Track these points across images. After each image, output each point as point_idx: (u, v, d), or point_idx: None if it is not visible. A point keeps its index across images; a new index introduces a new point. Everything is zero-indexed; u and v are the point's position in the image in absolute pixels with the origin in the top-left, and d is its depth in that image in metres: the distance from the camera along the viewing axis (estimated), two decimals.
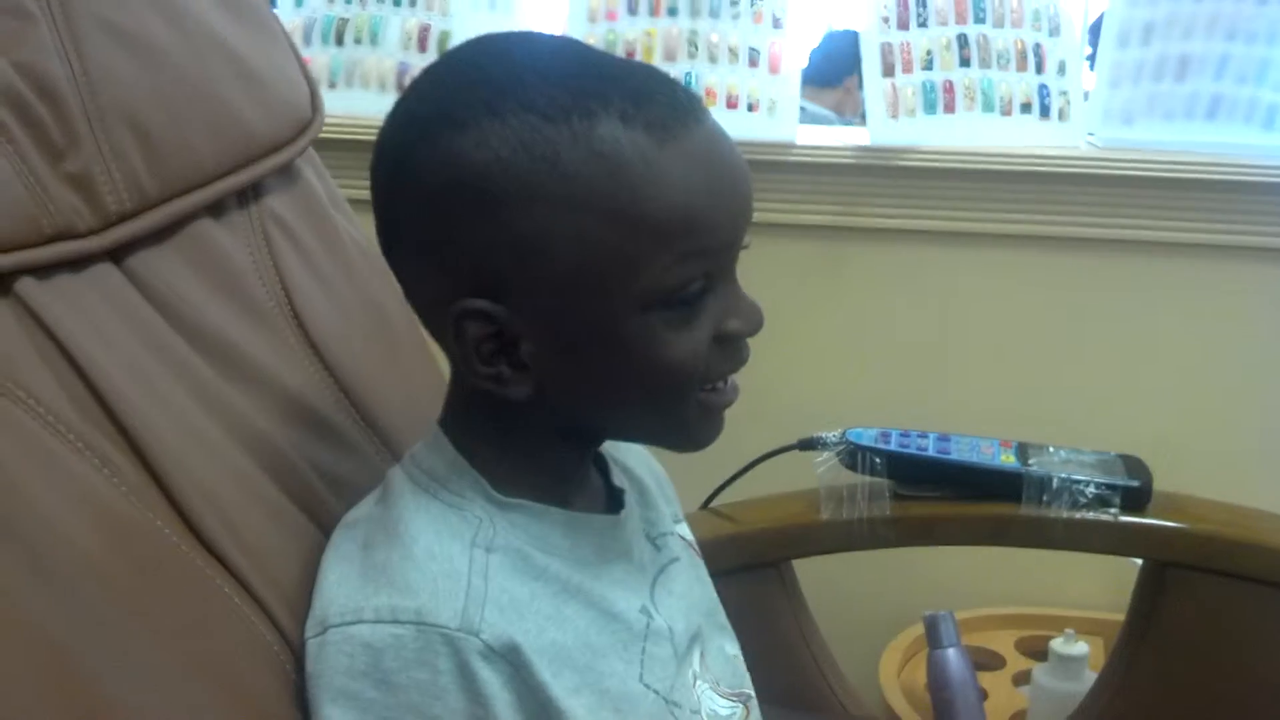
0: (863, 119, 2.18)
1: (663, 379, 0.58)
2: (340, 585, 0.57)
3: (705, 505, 1.04)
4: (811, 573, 1.06)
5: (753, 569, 1.00)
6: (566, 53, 0.61)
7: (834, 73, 2.55)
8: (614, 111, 0.55)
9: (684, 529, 0.74)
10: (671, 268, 0.56)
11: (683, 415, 0.60)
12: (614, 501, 0.67)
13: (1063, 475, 0.96)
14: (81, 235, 0.60)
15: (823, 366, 1.41)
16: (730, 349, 0.60)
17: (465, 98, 0.56)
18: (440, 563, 0.56)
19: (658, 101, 0.56)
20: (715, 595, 0.74)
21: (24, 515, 0.50)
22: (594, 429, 0.64)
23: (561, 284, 0.56)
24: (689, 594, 0.69)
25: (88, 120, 0.61)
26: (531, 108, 0.54)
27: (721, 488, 1.05)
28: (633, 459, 0.72)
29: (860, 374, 1.40)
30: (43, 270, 0.57)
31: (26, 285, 0.56)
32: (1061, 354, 1.39)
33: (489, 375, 0.58)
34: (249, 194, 0.73)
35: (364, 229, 0.83)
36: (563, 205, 0.54)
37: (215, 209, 0.70)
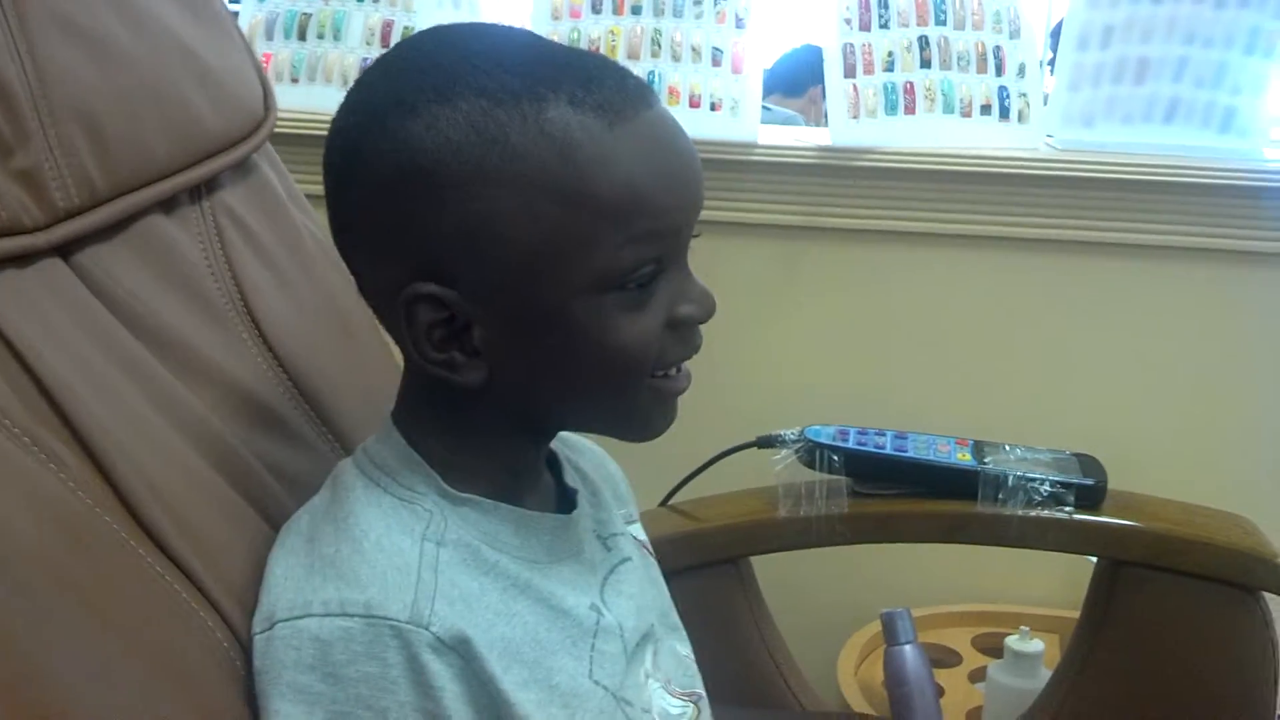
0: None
1: (615, 363, 0.58)
2: (287, 579, 0.57)
3: (664, 503, 1.05)
4: (769, 570, 1.07)
5: (711, 566, 1.01)
6: (518, 41, 0.61)
7: (798, 83, 2.58)
8: (563, 95, 0.55)
9: (637, 529, 0.74)
10: (622, 249, 0.56)
11: (635, 401, 0.60)
12: (566, 501, 0.67)
13: (1018, 473, 0.97)
14: (28, 231, 0.59)
15: (782, 364, 1.42)
16: (683, 334, 0.60)
17: (416, 84, 0.57)
18: (390, 556, 0.56)
19: (607, 86, 0.57)
20: (668, 595, 0.74)
21: None
22: (547, 418, 0.64)
23: (512, 266, 0.56)
24: (640, 594, 0.69)
25: (37, 116, 0.61)
26: (482, 92, 0.55)
27: (680, 485, 1.05)
28: (585, 459, 0.72)
29: (819, 372, 1.41)
30: None
31: None
32: (1018, 353, 1.40)
33: (440, 361, 0.58)
34: (201, 190, 0.73)
35: (323, 224, 0.82)
36: (513, 187, 0.55)
37: (167, 205, 0.69)
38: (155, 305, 0.65)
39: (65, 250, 0.62)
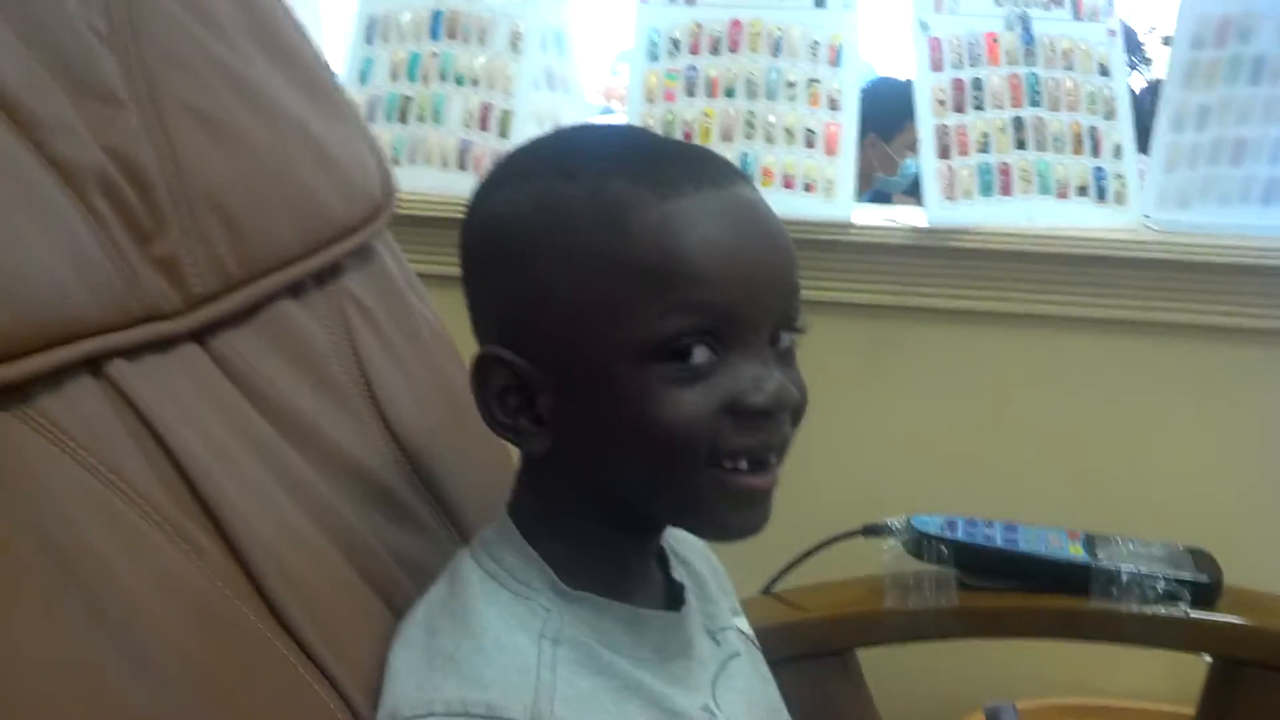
0: (885, 181, 2.18)
1: (659, 440, 0.56)
2: (409, 675, 0.57)
3: (766, 590, 1.03)
4: (869, 656, 1.04)
5: (816, 658, 0.98)
6: (621, 135, 0.65)
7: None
8: (626, 171, 0.57)
9: (742, 622, 0.73)
10: (661, 318, 0.55)
11: (696, 491, 0.57)
12: (673, 597, 0.66)
13: (1132, 569, 0.94)
14: (168, 317, 0.60)
15: (886, 448, 1.40)
16: (749, 423, 0.57)
17: (510, 167, 0.62)
18: (510, 655, 0.56)
19: (675, 165, 0.57)
20: (776, 690, 0.72)
21: (116, 600, 0.50)
22: (620, 501, 0.60)
23: (562, 331, 0.57)
24: (750, 690, 0.67)
25: (174, 204, 0.63)
26: (557, 170, 0.58)
27: (783, 572, 1.03)
28: (689, 551, 0.71)
29: (923, 457, 1.39)
30: (132, 352, 0.58)
31: (118, 367, 0.56)
32: (1123, 439, 1.37)
33: (508, 426, 0.60)
34: (327, 274, 0.74)
35: (436, 308, 0.83)
36: (564, 253, 0.57)
37: (295, 290, 0.70)
38: (287, 391, 0.66)
39: (200, 335, 0.63)
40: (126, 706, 0.48)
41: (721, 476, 0.57)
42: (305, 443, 0.65)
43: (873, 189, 2.45)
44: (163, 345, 0.60)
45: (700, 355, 0.56)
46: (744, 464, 0.57)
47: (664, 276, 0.55)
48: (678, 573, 0.68)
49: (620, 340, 0.56)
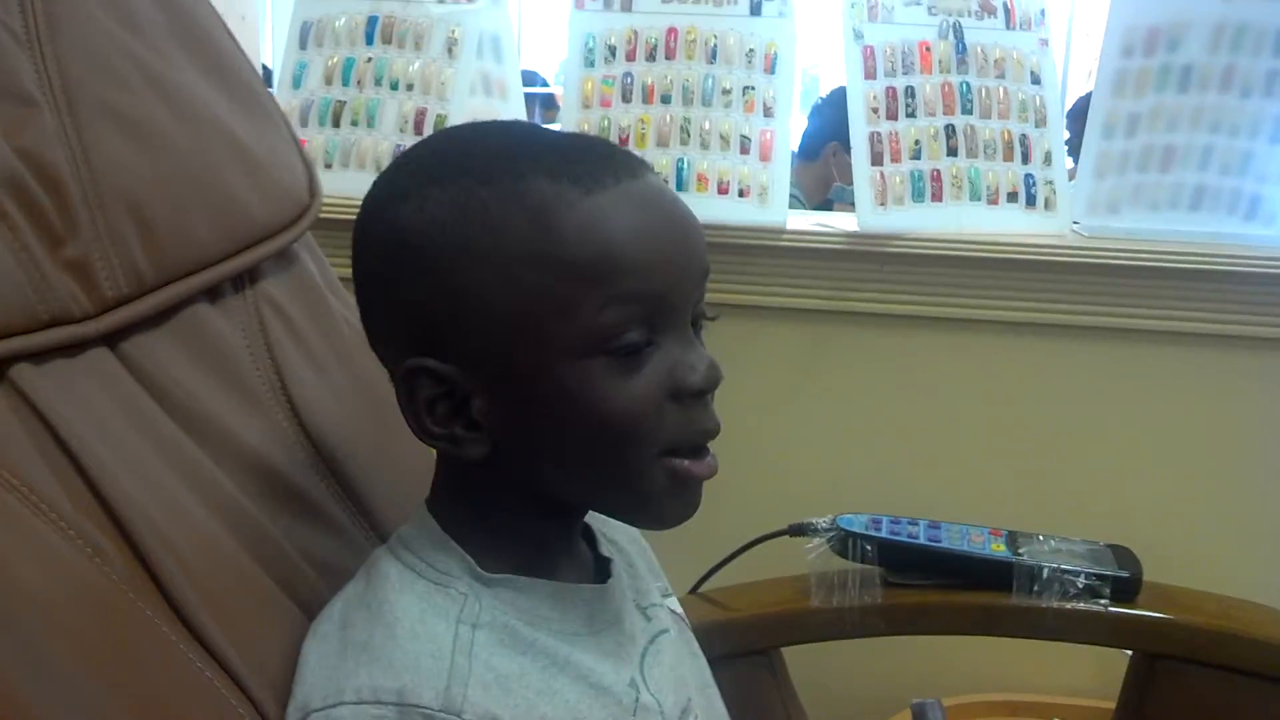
0: (840, 189, 2.19)
1: (607, 433, 0.57)
2: (320, 667, 0.57)
3: (694, 590, 1.04)
4: (797, 656, 1.05)
5: (743, 656, 0.99)
6: (517, 131, 0.64)
7: (813, 146, 2.54)
8: (542, 170, 0.57)
9: (673, 603, 0.74)
10: (600, 311, 0.56)
11: (644, 483, 0.59)
12: (601, 572, 0.67)
13: (1053, 565, 0.96)
14: (77, 320, 0.60)
15: (812, 450, 1.41)
16: (689, 409, 0.59)
17: (413, 172, 0.60)
18: (424, 642, 0.56)
19: (588, 160, 0.58)
20: (707, 668, 0.73)
21: (12, 600, 0.49)
22: (558, 495, 0.62)
23: (498, 334, 0.57)
24: (679, 666, 0.68)
25: (88, 206, 0.62)
26: (469, 173, 0.58)
27: (711, 573, 1.04)
28: (617, 531, 0.72)
29: (851, 458, 1.40)
30: (39, 356, 0.57)
31: (22, 371, 0.56)
32: (1049, 440, 1.39)
33: (443, 436, 0.59)
34: (245, 278, 0.73)
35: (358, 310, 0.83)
36: (492, 256, 0.57)
37: (211, 293, 0.70)
38: (199, 394, 0.65)
39: (112, 339, 0.63)
40: (23, 703, 0.48)
41: (673, 468, 0.59)
42: (215, 445, 0.64)
43: (826, 197, 2.45)
44: (71, 349, 0.59)
45: (640, 344, 0.57)
46: (688, 452, 0.59)
47: (600, 270, 0.56)
48: (606, 549, 0.68)
49: (560, 338, 0.56)
